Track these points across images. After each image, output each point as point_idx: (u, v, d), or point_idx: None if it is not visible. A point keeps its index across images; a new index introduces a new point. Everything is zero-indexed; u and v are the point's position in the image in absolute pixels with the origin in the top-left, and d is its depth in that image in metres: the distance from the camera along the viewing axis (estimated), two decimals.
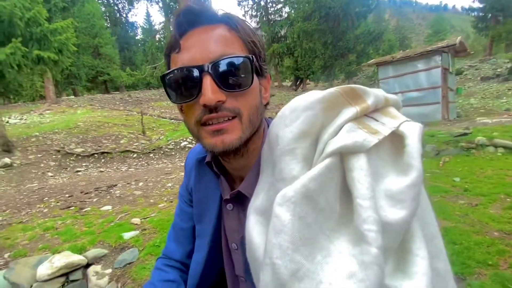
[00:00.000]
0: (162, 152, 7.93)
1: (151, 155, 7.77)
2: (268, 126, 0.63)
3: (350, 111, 0.42)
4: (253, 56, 0.50)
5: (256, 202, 0.47)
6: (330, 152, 0.37)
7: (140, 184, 4.58)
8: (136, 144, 8.33)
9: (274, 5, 26.94)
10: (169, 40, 0.52)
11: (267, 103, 0.60)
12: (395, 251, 0.34)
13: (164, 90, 0.53)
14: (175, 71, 0.48)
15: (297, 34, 19.06)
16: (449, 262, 0.42)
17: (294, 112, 0.44)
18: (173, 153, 7.91)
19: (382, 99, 0.46)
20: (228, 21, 0.51)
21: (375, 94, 0.45)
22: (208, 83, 0.46)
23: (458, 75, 16.09)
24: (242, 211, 0.62)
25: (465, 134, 5.05)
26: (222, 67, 0.47)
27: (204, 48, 0.48)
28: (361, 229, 0.31)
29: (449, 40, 9.96)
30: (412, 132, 0.40)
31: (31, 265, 1.91)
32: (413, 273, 0.32)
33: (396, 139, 0.42)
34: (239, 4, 27.44)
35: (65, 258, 1.93)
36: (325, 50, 18.05)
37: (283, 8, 26.68)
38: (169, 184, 4.40)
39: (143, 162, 7.18)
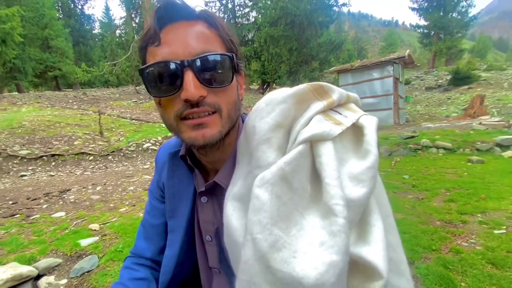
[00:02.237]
0: (122, 154, 7.45)
1: (110, 157, 7.27)
2: (243, 120, 0.66)
3: (318, 105, 0.48)
4: (233, 54, 0.52)
5: (233, 189, 0.50)
6: (302, 139, 0.42)
7: (98, 188, 4.26)
8: (93, 145, 7.72)
9: (241, 8, 27.14)
10: (146, 32, 0.52)
11: (242, 98, 0.63)
12: (357, 224, 0.40)
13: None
14: (156, 64, 0.49)
15: (264, 38, 19.44)
16: (400, 239, 0.49)
17: (269, 105, 0.48)
18: (134, 155, 7.49)
19: (345, 96, 0.52)
20: (207, 18, 0.52)
21: (339, 91, 0.51)
22: (190, 78, 0.47)
23: (407, 85, 17.87)
24: (217, 202, 0.64)
25: (412, 137, 5.64)
26: (204, 63, 0.48)
27: (185, 43, 0.49)
28: (330, 203, 0.36)
29: (400, 53, 11.03)
30: (369, 124, 0.47)
31: None
32: (371, 241, 0.37)
33: (356, 129, 0.48)
34: (206, 5, 27.09)
35: (12, 269, 1.72)
36: (290, 56, 18.69)
37: (250, 12, 27.00)
38: (131, 188, 4.16)
39: (101, 165, 6.68)
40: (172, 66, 0.48)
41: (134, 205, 3.22)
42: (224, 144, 0.57)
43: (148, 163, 6.71)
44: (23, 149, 6.90)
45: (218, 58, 0.50)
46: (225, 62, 0.51)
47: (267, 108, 0.48)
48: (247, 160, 0.52)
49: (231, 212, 0.47)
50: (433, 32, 27.53)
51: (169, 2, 0.50)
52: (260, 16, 23.81)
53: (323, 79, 23.15)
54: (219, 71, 0.50)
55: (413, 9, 28.73)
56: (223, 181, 0.59)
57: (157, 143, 8.04)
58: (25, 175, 5.89)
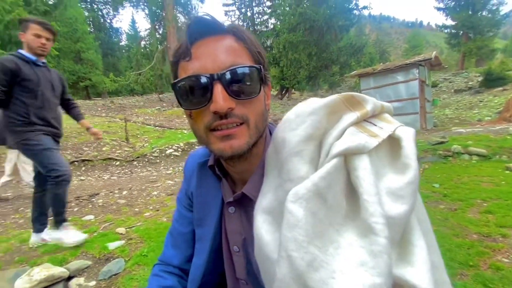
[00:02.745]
0: (146, 160, 7.73)
1: (135, 163, 7.57)
2: (270, 131, 0.66)
3: (351, 116, 0.46)
4: (260, 66, 0.53)
5: (263, 202, 0.49)
6: (336, 153, 0.41)
7: (124, 192, 4.43)
8: (119, 151, 8.09)
9: (260, 16, 27.57)
10: (178, 48, 0.54)
11: (269, 109, 0.63)
12: (397, 243, 0.37)
13: (175, 97, 0.55)
14: (187, 78, 0.50)
15: (282, 45, 19.54)
16: (442, 258, 0.45)
17: (300, 117, 0.47)
18: (158, 161, 7.74)
19: (379, 106, 0.50)
20: (236, 32, 0.54)
21: (373, 101, 0.49)
22: (219, 91, 0.48)
23: (434, 87, 17.04)
24: (244, 213, 0.64)
25: (442, 142, 5.33)
26: (233, 75, 0.50)
27: (214, 57, 0.50)
28: (369, 221, 0.34)
29: (426, 55, 10.58)
30: (407, 135, 0.44)
31: (8, 278, 1.79)
32: (414, 261, 0.35)
33: (392, 142, 0.46)
34: (225, 14, 27.85)
35: (45, 270, 1.82)
36: (309, 61, 18.59)
37: (269, 20, 27.35)
38: (155, 193, 4.29)
39: (127, 170, 6.97)
40: (202, 79, 0.49)
41: (157, 210, 3.31)
42: (251, 154, 0.57)
43: (171, 168, 6.90)
44: None
45: (246, 70, 0.51)
46: (253, 74, 0.52)
47: (297, 120, 0.47)
48: (276, 172, 0.51)
49: (261, 225, 0.47)
50: (461, 32, 26.19)
51: (199, 19, 0.52)
52: (278, 23, 24.01)
53: (344, 83, 22.75)
54: (247, 83, 0.51)
55: (439, 9, 27.56)
56: (251, 192, 0.58)
57: (179, 149, 8.27)
58: None
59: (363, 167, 0.40)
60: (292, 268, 0.34)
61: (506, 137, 5.27)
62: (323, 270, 0.33)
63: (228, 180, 0.66)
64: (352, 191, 0.42)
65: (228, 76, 0.49)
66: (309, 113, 0.46)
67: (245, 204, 0.62)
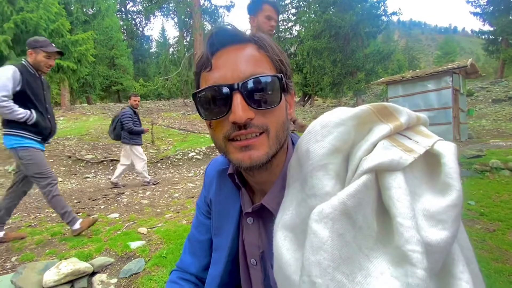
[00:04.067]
0: (169, 162, 7.97)
1: (159, 164, 7.83)
2: (292, 141, 0.63)
3: (383, 128, 0.43)
4: (281, 74, 0.52)
5: (284, 217, 0.47)
6: (367, 169, 0.37)
7: (147, 193, 4.58)
8: (145, 153, 8.41)
9: (284, 23, 27.69)
10: (200, 58, 0.54)
11: (291, 119, 0.61)
12: (437, 275, 0.33)
13: (195, 106, 0.55)
14: (207, 89, 0.50)
15: (306, 51, 19.40)
16: None
17: (326, 128, 0.44)
18: (180, 163, 7.95)
19: (414, 118, 0.46)
20: (257, 40, 0.53)
21: (407, 112, 0.45)
22: (238, 101, 0.48)
23: (469, 97, 15.96)
24: (263, 225, 0.62)
25: (478, 156, 4.94)
26: (252, 85, 0.49)
27: (234, 67, 0.50)
28: (404, 249, 0.31)
29: (460, 62, 9.97)
30: (448, 151, 0.40)
31: (38, 270, 1.90)
32: None
33: (429, 158, 0.42)
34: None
35: (72, 264, 1.91)
36: (334, 68, 18.26)
37: (294, 27, 27.40)
38: (176, 195, 4.39)
39: (151, 171, 7.22)
40: (222, 90, 0.49)
41: (178, 212, 3.37)
42: (272, 165, 0.55)
43: (192, 171, 7.05)
44: (88, 154, 7.85)
45: (266, 79, 0.50)
46: (273, 83, 0.50)
47: (323, 131, 0.44)
48: (298, 185, 0.48)
49: (282, 242, 0.44)
50: (500, 38, 24.40)
51: (220, 29, 0.52)
52: (303, 30, 23.96)
53: (370, 90, 22.04)
54: (267, 92, 0.50)
55: (475, 13, 25.96)
56: (270, 204, 0.56)
57: (201, 153, 8.43)
58: (88, 177, 6.65)
59: (397, 186, 0.36)
60: None
61: None
62: None
63: (248, 190, 0.65)
64: (384, 212, 0.38)
65: (247, 86, 0.48)
66: (336, 124, 0.43)
67: (264, 216, 0.60)
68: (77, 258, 2.10)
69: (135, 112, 5.25)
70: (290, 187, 0.51)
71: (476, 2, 25.55)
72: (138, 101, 5.36)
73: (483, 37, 26.24)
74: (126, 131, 5.07)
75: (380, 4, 17.62)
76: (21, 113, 2.32)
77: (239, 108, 0.47)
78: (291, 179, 0.51)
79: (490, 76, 25.37)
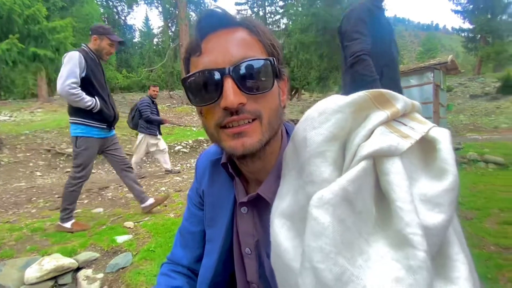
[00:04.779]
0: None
1: (144, 158, 7.64)
2: (286, 129, 0.63)
3: (380, 115, 0.43)
4: (273, 58, 0.50)
5: (281, 205, 0.47)
6: (365, 154, 0.38)
7: None
8: (129, 146, 8.19)
9: (272, 15, 27.50)
10: (189, 43, 0.52)
11: (284, 106, 0.60)
12: (433, 257, 0.34)
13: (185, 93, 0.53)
14: (197, 73, 0.48)
15: (294, 45, 19.36)
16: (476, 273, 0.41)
17: (323, 115, 0.44)
18: None
19: (410, 104, 0.46)
20: (248, 24, 0.51)
21: (403, 99, 0.46)
22: (229, 86, 0.46)
23: (448, 92, 16.59)
24: (257, 214, 0.61)
25: (456, 149, 5.17)
26: (244, 70, 0.47)
27: (225, 51, 0.48)
28: (405, 232, 0.31)
29: (441, 58, 10.31)
30: (444, 137, 0.41)
31: (19, 267, 1.83)
32: (455, 278, 0.32)
33: (424, 144, 0.42)
34: (238, 13, 27.78)
35: (55, 260, 1.85)
36: (321, 62, 18.35)
37: (281, 20, 27.25)
38: (163, 188, 4.32)
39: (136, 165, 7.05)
40: (212, 74, 0.47)
41: (165, 206, 3.32)
42: (265, 153, 0.54)
43: (179, 165, 6.95)
44: (69, 147, 7.54)
45: (257, 63, 0.48)
46: (266, 68, 0.49)
47: (320, 118, 0.43)
48: (295, 173, 0.48)
49: (279, 230, 0.44)
50: (479, 36, 25.40)
51: (210, 12, 0.50)
52: (290, 23, 23.86)
53: None
54: (259, 77, 0.48)
55: (456, 11, 26.79)
56: (266, 193, 0.56)
57: (188, 146, 8.31)
58: (69, 171, 6.41)
59: (395, 171, 0.36)
60: (317, 280, 0.31)
61: None
62: (353, 285, 0.30)
63: (241, 179, 0.64)
64: (380, 197, 0.39)
65: (239, 70, 0.47)
66: (334, 111, 0.43)
67: (259, 205, 0.60)
68: (60, 254, 2.03)
69: (153, 102, 5.32)
70: (286, 175, 0.50)
71: (457, 0, 26.36)
72: (157, 91, 5.49)
73: (463, 34, 27.24)
74: (144, 120, 5.10)
75: None
76: (88, 100, 2.31)
77: (231, 93, 0.46)
78: (287, 167, 0.51)
79: (469, 73, 26.39)
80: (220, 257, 0.67)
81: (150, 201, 2.85)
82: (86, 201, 3.75)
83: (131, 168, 2.92)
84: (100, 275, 1.87)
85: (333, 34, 17.92)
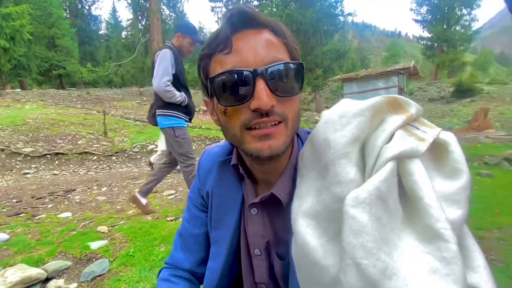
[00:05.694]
0: (126, 155, 7.43)
1: (114, 158, 7.24)
2: (297, 133, 0.64)
3: (397, 119, 0.46)
4: (302, 63, 0.51)
5: (303, 206, 0.47)
6: (392, 156, 0.40)
7: (104, 189, 4.22)
8: (97, 145, 7.70)
9: None
10: (213, 39, 0.50)
11: None
12: None
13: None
14: (227, 73, 0.47)
15: None
16: None
17: (345, 117, 0.45)
18: (138, 156, 7.46)
19: (421, 110, 0.50)
20: (274, 26, 0.51)
21: (415, 105, 0.49)
22: (262, 87, 0.46)
23: (409, 96, 17.94)
24: (267, 215, 0.62)
25: None
26: (275, 72, 0.47)
27: (255, 51, 0.47)
28: (435, 227, 0.34)
29: (405, 64, 11.12)
30: (453, 140, 0.45)
31: None
32: (475, 267, 0.35)
33: (434, 146, 0.46)
34: (212, 10, 27.42)
35: (21, 272, 1.68)
36: None
37: None
38: (137, 190, 4.12)
39: (104, 166, 6.65)
40: (244, 74, 0.46)
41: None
42: (283, 155, 0.55)
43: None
44: (26, 147, 6.88)
45: (289, 67, 0.49)
46: (297, 72, 0.50)
47: (342, 121, 0.45)
48: (315, 174, 0.49)
49: (305, 230, 0.45)
50: (436, 44, 27.80)
51: (241, 10, 0.49)
52: None
53: (326, 87, 23.24)
54: (290, 80, 0.49)
55: (416, 21, 29.07)
56: (280, 193, 0.56)
57: None
58: (28, 173, 5.85)
59: (419, 172, 0.39)
60: (362, 276, 0.32)
61: (476, 145, 5.66)
62: (396, 278, 0.32)
63: (251, 180, 0.64)
64: (403, 196, 0.41)
65: (270, 71, 0.47)
66: (355, 114, 0.45)
67: (270, 205, 0.60)
68: (26, 264, 1.85)
69: None
70: (304, 176, 0.51)
71: (418, 10, 28.60)
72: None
73: (422, 42, 29.59)
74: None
75: (338, 4, 18.53)
76: (179, 96, 2.49)
77: (264, 94, 0.45)
78: (305, 168, 0.51)
79: (427, 78, 28.80)
80: (227, 259, 0.66)
81: (144, 201, 2.88)
82: (50, 205, 3.45)
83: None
84: (74, 285, 1.74)
85: (306, 36, 18.44)
